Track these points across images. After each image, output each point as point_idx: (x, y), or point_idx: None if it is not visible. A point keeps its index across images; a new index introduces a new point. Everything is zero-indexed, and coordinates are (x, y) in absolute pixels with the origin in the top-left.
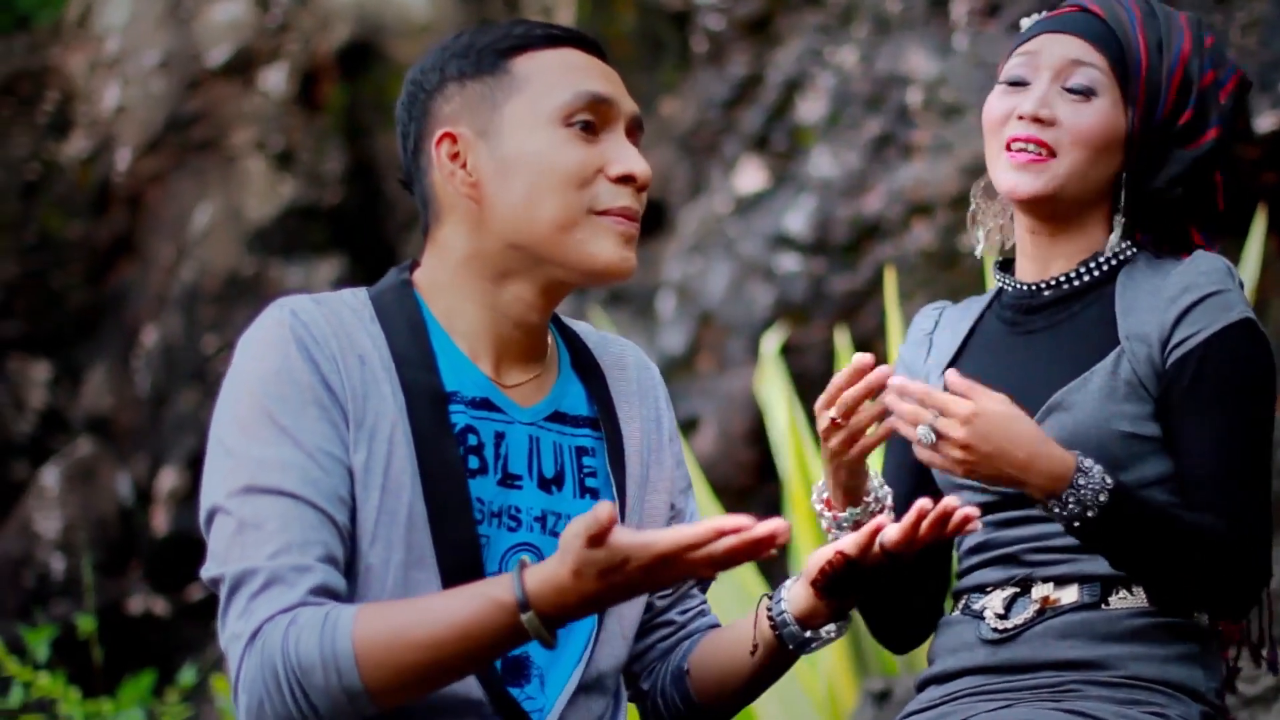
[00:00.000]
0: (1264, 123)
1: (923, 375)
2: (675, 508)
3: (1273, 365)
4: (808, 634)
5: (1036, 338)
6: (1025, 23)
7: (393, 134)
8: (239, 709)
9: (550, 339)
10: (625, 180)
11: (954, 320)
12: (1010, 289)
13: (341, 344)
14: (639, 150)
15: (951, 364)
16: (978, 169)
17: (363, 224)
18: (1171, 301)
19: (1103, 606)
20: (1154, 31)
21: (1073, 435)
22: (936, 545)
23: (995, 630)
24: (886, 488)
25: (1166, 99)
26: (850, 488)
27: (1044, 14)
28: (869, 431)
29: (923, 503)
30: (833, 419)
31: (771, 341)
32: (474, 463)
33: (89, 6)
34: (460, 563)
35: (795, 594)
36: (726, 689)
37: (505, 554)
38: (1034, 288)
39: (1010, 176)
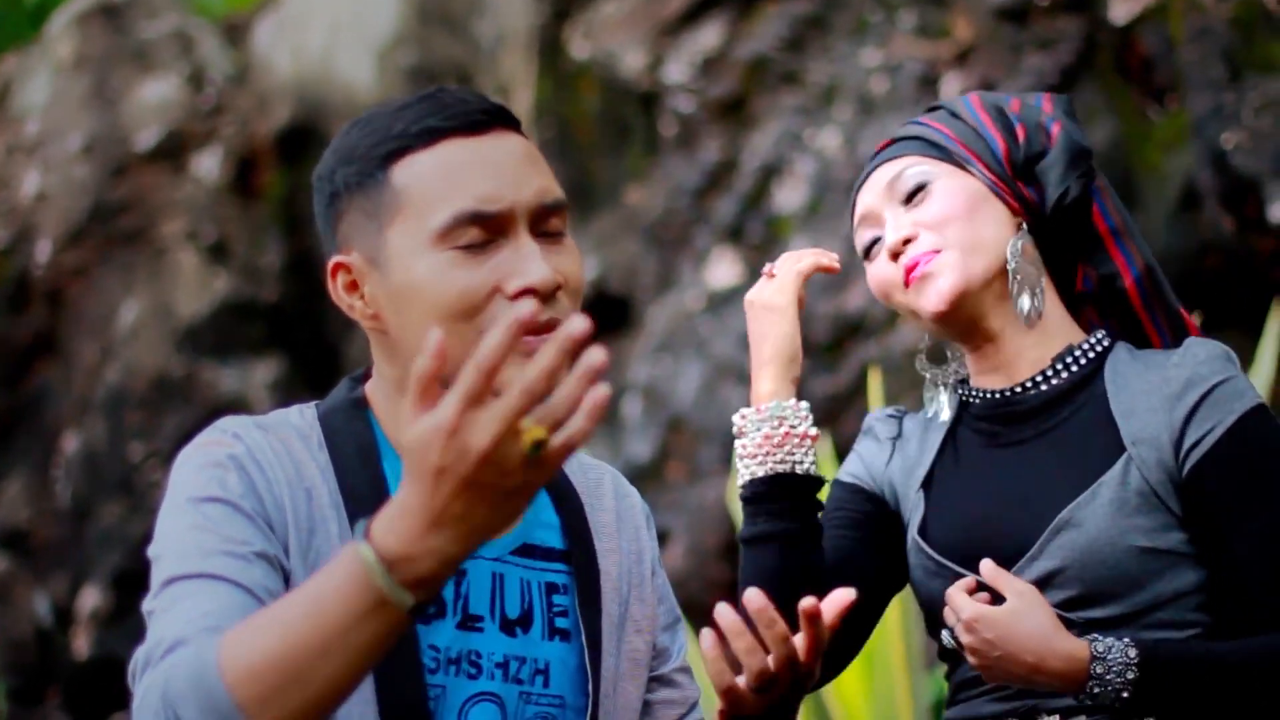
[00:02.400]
0: (1279, 212)
1: (884, 477)
2: (658, 647)
3: None
4: None
5: (1028, 449)
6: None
7: None
8: None
9: None
10: (527, 294)
11: (916, 433)
12: (978, 400)
13: (288, 475)
14: (559, 241)
15: (927, 481)
16: None
17: (303, 322)
18: (1177, 399)
19: None
20: (937, 115)
21: (1085, 554)
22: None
23: None
24: (809, 419)
25: (994, 137)
26: (768, 374)
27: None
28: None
29: (806, 605)
30: (769, 270)
31: None
32: (430, 607)
33: (7, 85)
34: (406, 718)
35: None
36: None
37: (464, 705)
38: (1009, 394)
39: (924, 299)
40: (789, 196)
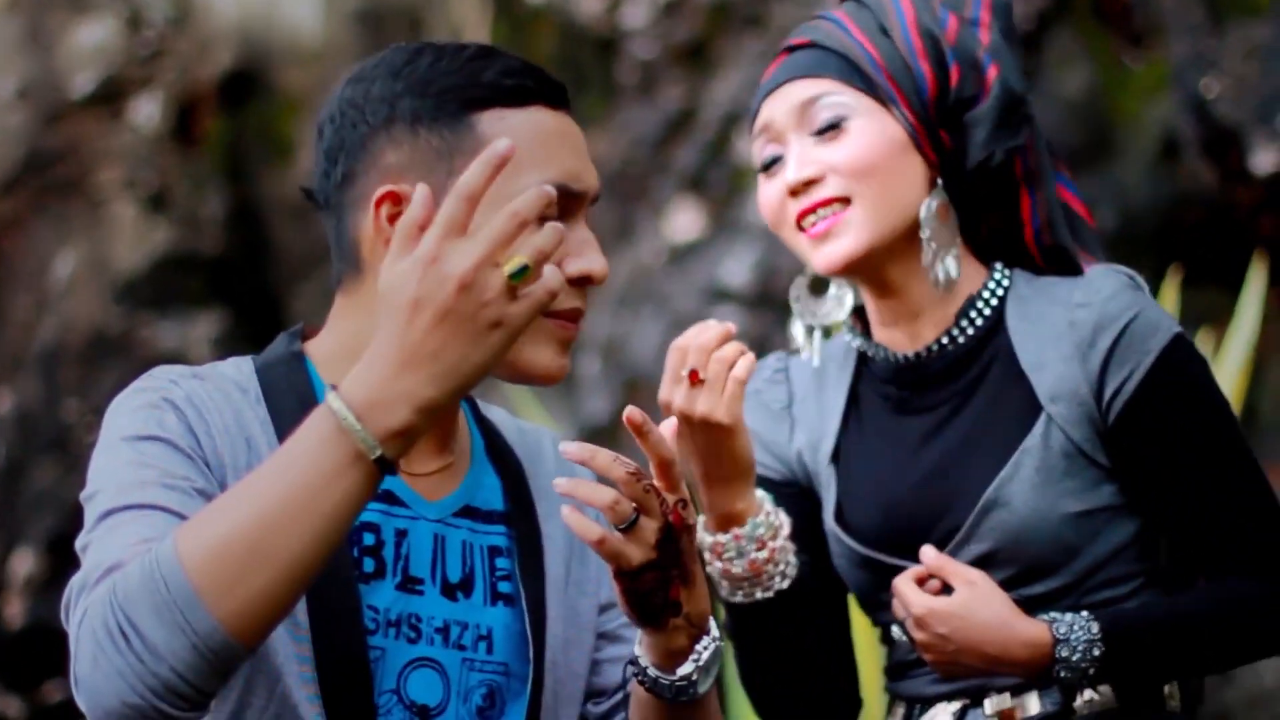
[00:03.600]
0: (1262, 162)
1: (792, 456)
2: (605, 605)
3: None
4: (677, 677)
5: (940, 416)
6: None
7: (280, 174)
8: (79, 698)
9: (463, 423)
10: (581, 281)
11: (812, 388)
12: (881, 360)
13: (226, 423)
14: (592, 235)
15: (836, 453)
16: None
17: (246, 275)
18: (1090, 347)
19: (1071, 716)
20: (867, 21)
21: (1019, 534)
22: (828, 613)
23: None
24: (782, 513)
25: (924, 74)
26: (733, 494)
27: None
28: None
29: (630, 413)
30: (693, 371)
31: None
32: (369, 565)
33: None
34: (345, 679)
35: (644, 645)
36: None
37: (404, 669)
38: (915, 358)
39: (819, 255)
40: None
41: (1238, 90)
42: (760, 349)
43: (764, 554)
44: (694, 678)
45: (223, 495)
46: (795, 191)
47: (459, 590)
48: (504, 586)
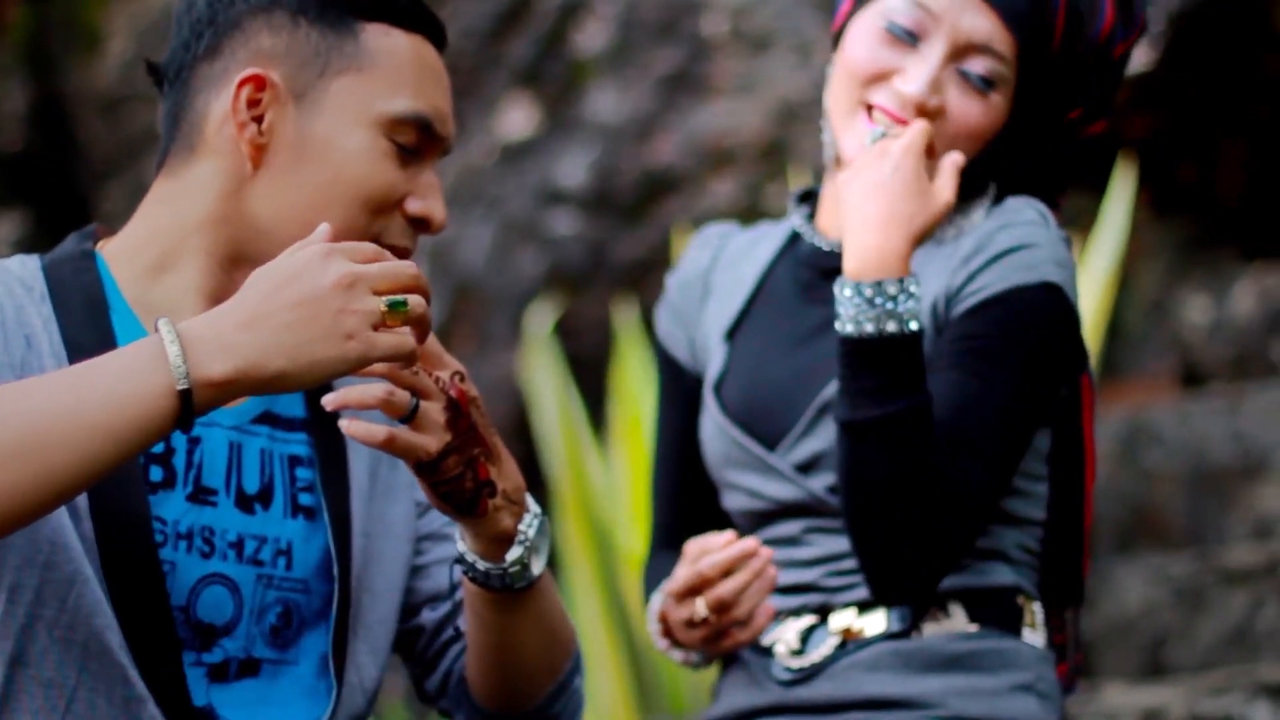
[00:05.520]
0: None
1: (700, 329)
2: (422, 505)
3: (1072, 343)
4: (508, 563)
5: (830, 312)
6: None
7: (88, 66)
8: None
9: None
10: (418, 224)
11: (738, 258)
12: (808, 241)
13: (6, 316)
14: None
15: (735, 328)
16: (788, 111)
17: (50, 173)
18: (964, 262)
19: (914, 635)
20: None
21: None
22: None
23: (789, 670)
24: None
25: (1066, 90)
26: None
27: None
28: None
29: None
30: (706, 618)
31: (541, 317)
32: (157, 474)
33: None
34: (136, 592)
35: (467, 539)
36: (488, 665)
37: (197, 585)
38: (838, 249)
39: (859, 151)
40: (590, 38)
41: None
42: (596, 255)
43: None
44: (526, 559)
45: (11, 384)
46: (904, 95)
47: (256, 502)
48: (305, 499)
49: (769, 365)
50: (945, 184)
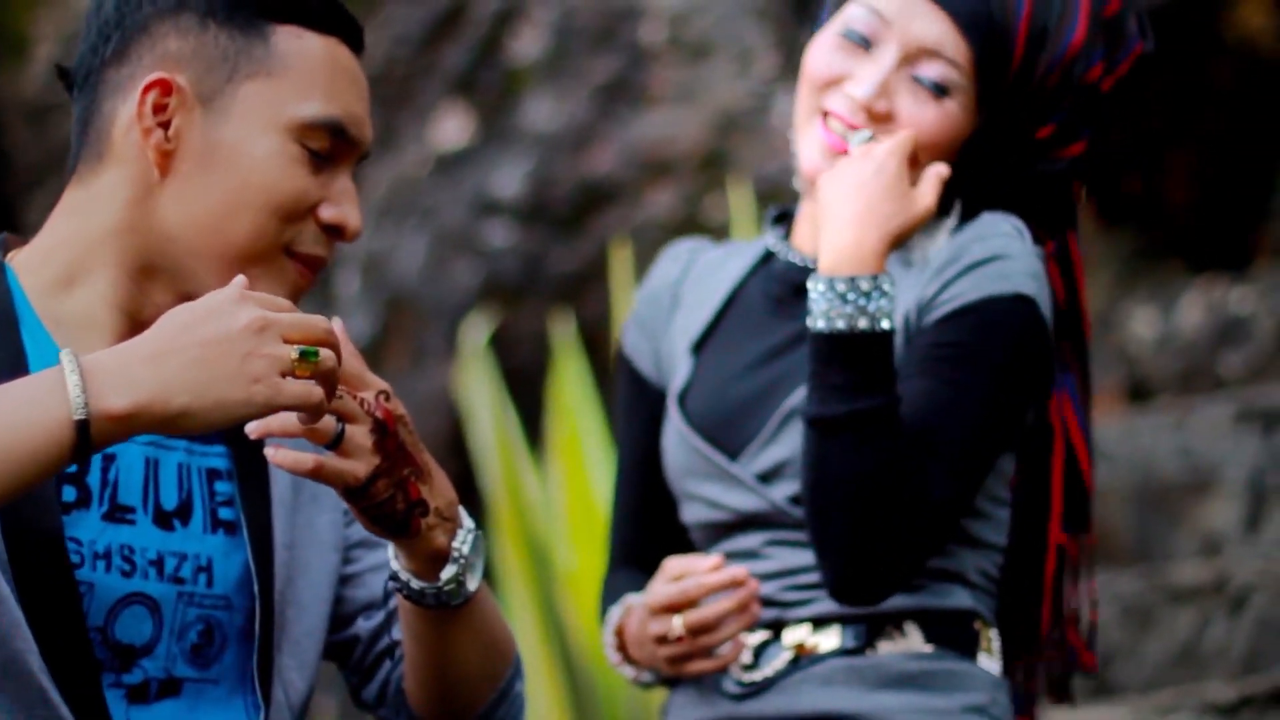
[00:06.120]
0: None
1: (666, 342)
2: (350, 514)
3: (1040, 357)
4: (443, 582)
5: (799, 327)
6: None
7: (14, 72)
8: None
9: None
10: (331, 231)
11: (709, 272)
12: (782, 258)
13: None
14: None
15: (705, 337)
16: (728, 120)
17: None
18: (936, 272)
19: (868, 652)
20: (1042, 12)
21: None
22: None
23: (741, 684)
24: None
25: (1031, 106)
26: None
27: None
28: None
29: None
30: (680, 636)
31: (476, 330)
32: (70, 494)
33: None
34: (53, 614)
35: (400, 558)
36: (426, 678)
37: (116, 605)
38: (811, 266)
39: (815, 157)
40: (526, 45)
41: None
42: (532, 267)
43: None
44: (461, 576)
45: None
46: (854, 99)
47: (175, 518)
48: (225, 513)
49: (735, 377)
50: (926, 190)
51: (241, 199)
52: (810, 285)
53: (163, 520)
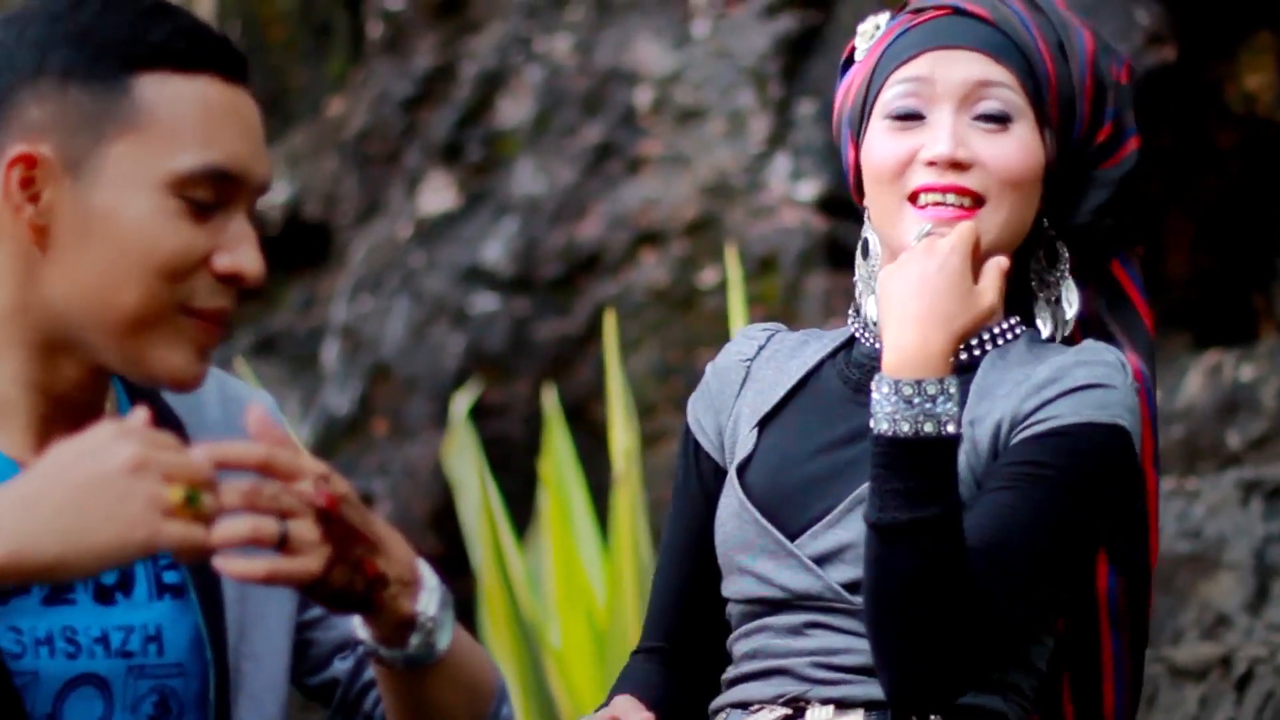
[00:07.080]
0: None
1: (730, 418)
2: None
3: (1126, 488)
4: (411, 648)
5: None
6: (865, 29)
7: None
8: None
9: (112, 399)
10: (230, 280)
11: (785, 354)
12: (865, 341)
13: None
14: (253, 230)
15: (772, 414)
16: (720, 186)
17: None
18: (1036, 390)
19: None
20: (1049, 32)
21: None
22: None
23: None
24: None
25: (1083, 113)
26: None
27: (903, 21)
28: None
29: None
30: None
31: (462, 402)
32: None
33: None
34: None
35: (366, 628)
36: None
37: (63, 690)
38: None
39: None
40: (513, 110)
41: None
42: (520, 337)
43: None
44: (430, 640)
45: None
46: (934, 162)
47: (117, 591)
48: (169, 576)
49: (804, 456)
50: (989, 286)
51: (123, 265)
52: (874, 387)
53: (103, 595)
